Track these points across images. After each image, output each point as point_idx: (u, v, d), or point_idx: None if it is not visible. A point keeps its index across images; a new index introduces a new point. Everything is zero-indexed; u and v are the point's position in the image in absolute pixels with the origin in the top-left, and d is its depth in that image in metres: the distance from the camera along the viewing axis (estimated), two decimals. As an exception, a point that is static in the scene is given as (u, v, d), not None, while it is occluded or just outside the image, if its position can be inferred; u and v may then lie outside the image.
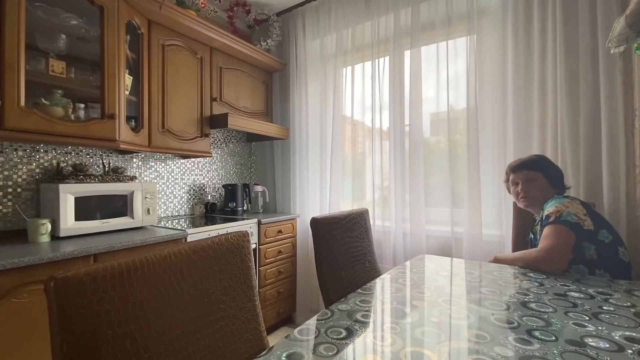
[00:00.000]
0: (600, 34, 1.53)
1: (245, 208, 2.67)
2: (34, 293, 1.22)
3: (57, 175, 1.66)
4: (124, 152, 2.06)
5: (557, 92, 1.65)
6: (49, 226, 1.49)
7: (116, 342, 0.57)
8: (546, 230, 1.25)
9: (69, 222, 1.54)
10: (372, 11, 2.30)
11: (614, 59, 1.51)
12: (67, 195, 1.53)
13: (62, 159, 1.82)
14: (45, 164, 1.75)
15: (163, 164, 2.34)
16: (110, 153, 2.03)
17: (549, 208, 1.31)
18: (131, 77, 1.84)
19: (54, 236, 1.53)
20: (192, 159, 2.53)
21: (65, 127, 1.51)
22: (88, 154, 1.93)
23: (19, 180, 1.65)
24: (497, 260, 1.37)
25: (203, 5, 2.20)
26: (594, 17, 1.56)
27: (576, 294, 0.97)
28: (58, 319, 0.51)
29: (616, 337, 0.70)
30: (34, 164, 1.71)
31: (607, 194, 1.52)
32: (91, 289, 0.55)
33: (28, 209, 1.67)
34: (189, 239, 1.77)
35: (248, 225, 2.20)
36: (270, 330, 2.41)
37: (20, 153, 1.66)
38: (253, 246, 2.24)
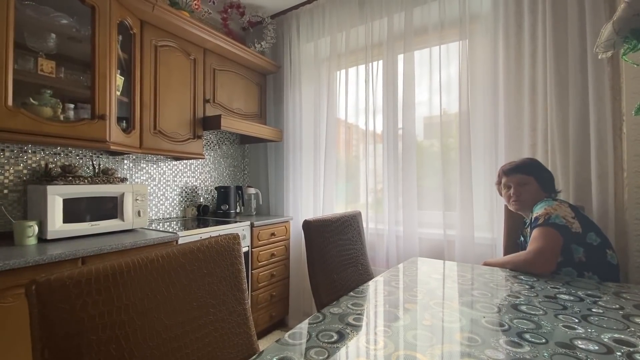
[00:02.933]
0: (589, 39, 1.56)
1: (238, 210, 2.65)
2: (20, 297, 1.19)
3: (45, 177, 1.63)
4: (114, 153, 2.03)
5: (547, 97, 1.67)
6: (36, 228, 1.46)
7: (100, 348, 0.55)
8: (535, 232, 1.26)
9: (56, 224, 1.51)
10: (366, 15, 2.31)
11: (602, 65, 1.54)
12: (55, 197, 1.50)
13: (51, 160, 1.78)
14: (33, 165, 1.72)
15: (155, 166, 2.32)
16: (101, 154, 2.00)
17: (538, 210, 1.32)
18: (123, 78, 1.82)
19: (41, 239, 1.50)
20: (185, 161, 2.50)
21: (53, 128, 1.48)
22: (78, 155, 1.90)
23: (6, 181, 1.62)
24: (486, 265, 1.38)
25: (197, 7, 2.19)
26: (583, 23, 1.59)
27: (566, 297, 0.98)
28: (39, 324, 0.50)
29: (605, 340, 0.71)
30: (22, 164, 1.68)
31: (596, 197, 1.54)
32: (74, 293, 0.53)
33: (14, 211, 1.63)
34: (180, 242, 1.75)
35: (241, 228, 2.18)
36: (263, 333, 2.38)
37: (7, 154, 1.63)
38: (245, 249, 2.22)
